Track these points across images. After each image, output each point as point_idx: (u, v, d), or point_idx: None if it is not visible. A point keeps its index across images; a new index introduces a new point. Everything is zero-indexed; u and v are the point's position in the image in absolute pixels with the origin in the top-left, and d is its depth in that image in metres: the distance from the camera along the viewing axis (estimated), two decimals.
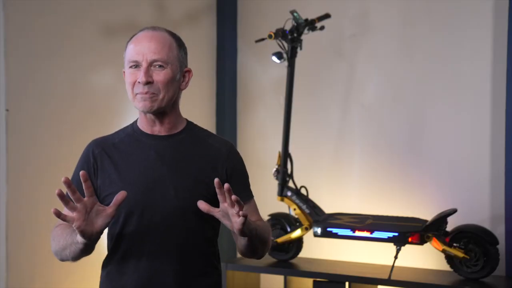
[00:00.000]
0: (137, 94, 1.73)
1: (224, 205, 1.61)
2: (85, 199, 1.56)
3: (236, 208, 1.57)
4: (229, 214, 1.60)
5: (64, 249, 1.69)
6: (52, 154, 3.13)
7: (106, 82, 3.43)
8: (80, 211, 1.54)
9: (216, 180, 1.59)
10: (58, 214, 1.51)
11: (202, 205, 1.64)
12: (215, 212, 1.63)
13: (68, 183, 1.52)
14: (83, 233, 1.55)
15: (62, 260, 1.74)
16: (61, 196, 1.51)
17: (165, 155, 1.77)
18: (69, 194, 1.54)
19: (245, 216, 1.56)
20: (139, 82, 1.72)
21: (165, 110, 1.77)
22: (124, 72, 1.80)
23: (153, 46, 1.73)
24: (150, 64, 1.72)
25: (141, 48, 1.73)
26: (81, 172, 1.55)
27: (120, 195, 1.58)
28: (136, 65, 1.73)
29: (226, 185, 1.57)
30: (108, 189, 1.75)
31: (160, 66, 1.73)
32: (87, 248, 1.64)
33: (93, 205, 1.57)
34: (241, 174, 1.86)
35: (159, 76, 1.72)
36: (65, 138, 3.19)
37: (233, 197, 1.55)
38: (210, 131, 1.90)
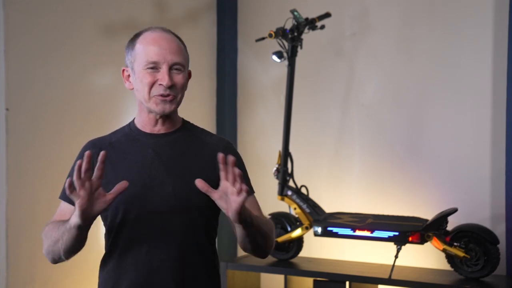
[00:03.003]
0: (155, 96, 1.73)
1: (224, 182, 1.56)
2: (94, 180, 1.56)
3: (237, 184, 1.52)
4: (227, 194, 1.55)
5: (56, 242, 1.67)
6: (52, 153, 3.13)
7: (107, 81, 3.42)
8: (86, 189, 1.54)
9: (220, 154, 1.54)
10: (70, 185, 1.51)
11: (200, 183, 1.58)
12: (213, 193, 1.58)
13: (89, 156, 1.52)
14: (82, 212, 1.55)
15: (54, 259, 1.72)
16: (79, 167, 1.52)
17: (162, 154, 1.77)
18: (83, 168, 1.53)
19: (247, 192, 1.51)
20: (161, 84, 1.72)
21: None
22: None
23: (174, 49, 1.74)
24: (170, 67, 1.73)
25: (161, 50, 1.72)
26: (102, 153, 1.56)
27: (122, 185, 1.59)
28: (154, 66, 1.73)
29: (230, 157, 1.53)
30: (106, 189, 1.73)
31: (178, 69, 1.75)
32: (80, 236, 1.62)
33: (98, 187, 1.58)
34: (240, 169, 1.84)
35: (178, 79, 1.75)
36: (66, 137, 3.19)
37: (236, 170, 1.52)
38: (206, 130, 1.90)
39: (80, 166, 1.52)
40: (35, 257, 3.02)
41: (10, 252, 2.93)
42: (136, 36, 1.78)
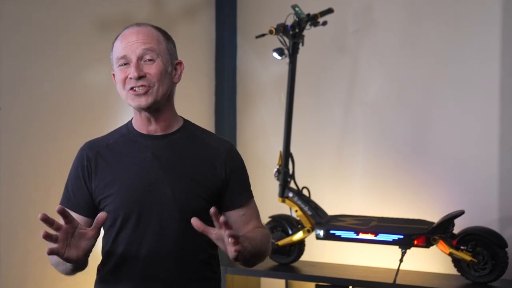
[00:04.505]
0: (129, 91, 1.72)
1: (220, 231, 1.57)
2: (64, 226, 1.55)
3: (231, 240, 1.54)
4: (224, 239, 1.58)
5: (57, 265, 1.72)
6: (45, 153, 3.13)
7: (102, 79, 3.42)
8: (61, 240, 1.54)
9: (212, 210, 1.55)
10: (46, 237, 1.51)
11: (196, 223, 1.57)
12: (210, 232, 1.58)
13: (44, 219, 1.51)
14: (67, 260, 1.56)
15: (61, 272, 1.76)
16: (45, 220, 1.51)
17: (161, 156, 1.77)
18: (47, 226, 1.53)
19: (238, 252, 1.55)
20: (130, 78, 1.71)
21: (159, 106, 1.76)
22: (113, 74, 1.80)
23: (141, 40, 1.73)
24: (140, 58, 1.72)
25: (128, 43, 1.73)
26: (57, 208, 1.54)
27: (101, 217, 1.57)
28: (125, 62, 1.72)
29: (221, 218, 1.54)
30: (104, 192, 1.75)
31: (150, 60, 1.72)
32: (78, 267, 1.67)
33: (74, 229, 1.56)
34: (241, 175, 1.85)
35: (151, 69, 1.72)
36: (59, 137, 3.19)
37: (228, 232, 1.53)
38: (208, 130, 1.89)
39: (45, 219, 1.50)
40: (27, 260, 3.02)
41: (2, 254, 2.93)
42: (116, 38, 1.79)
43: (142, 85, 1.70)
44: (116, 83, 1.79)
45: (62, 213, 1.53)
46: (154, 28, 1.78)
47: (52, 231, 1.54)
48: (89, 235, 1.57)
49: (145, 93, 1.71)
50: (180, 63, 1.82)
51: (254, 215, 1.85)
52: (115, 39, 1.79)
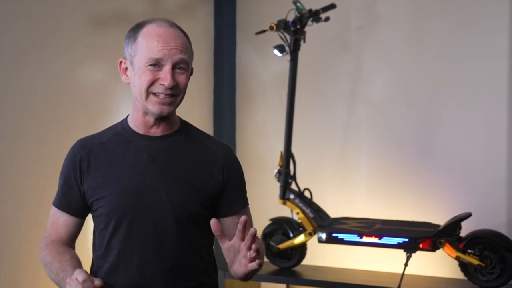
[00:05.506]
0: (152, 94, 1.70)
1: (239, 242, 1.59)
2: None
3: (253, 254, 1.55)
4: (238, 252, 1.59)
5: (56, 282, 1.73)
6: (38, 153, 3.13)
7: (96, 77, 3.42)
8: None
9: (243, 218, 1.56)
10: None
11: (216, 226, 1.59)
12: (224, 241, 1.61)
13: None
14: None
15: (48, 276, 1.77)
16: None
17: (157, 158, 1.76)
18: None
19: (260, 266, 1.56)
20: (162, 84, 1.69)
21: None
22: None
23: (180, 47, 1.71)
24: (174, 66, 1.70)
25: (166, 46, 1.69)
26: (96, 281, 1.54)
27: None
28: (156, 63, 1.69)
29: (252, 229, 1.55)
30: (97, 194, 1.74)
31: (181, 68, 1.72)
32: None
33: None
34: (239, 180, 1.85)
35: (181, 79, 1.72)
36: (52, 136, 3.19)
37: (254, 246, 1.54)
38: (206, 133, 1.89)
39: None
40: (19, 264, 3.02)
41: None
42: (139, 27, 1.74)
43: (171, 95, 1.70)
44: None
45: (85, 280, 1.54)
46: (183, 33, 1.77)
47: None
48: None
49: (170, 103, 1.71)
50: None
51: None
52: (140, 29, 1.73)
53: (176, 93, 1.72)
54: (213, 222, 1.59)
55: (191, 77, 1.79)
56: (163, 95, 1.70)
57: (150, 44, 1.70)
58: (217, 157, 1.80)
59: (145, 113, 1.76)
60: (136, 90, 1.73)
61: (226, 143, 1.88)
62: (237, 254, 1.61)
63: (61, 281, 1.66)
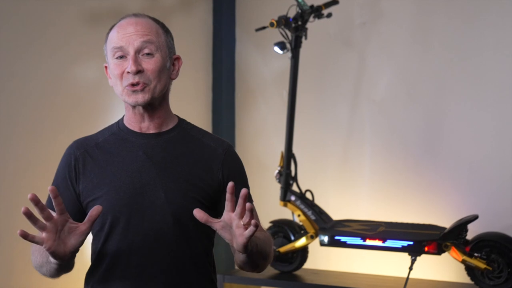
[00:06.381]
0: (125, 87, 1.72)
1: (229, 214, 1.55)
2: (56, 216, 1.53)
3: (247, 217, 1.51)
4: (231, 226, 1.55)
5: (41, 266, 1.70)
6: (31, 154, 3.12)
7: (91, 75, 3.42)
8: (50, 231, 1.51)
9: (230, 184, 1.53)
10: (25, 236, 1.48)
11: (199, 214, 1.56)
12: (215, 223, 1.57)
13: (35, 200, 1.48)
14: (54, 254, 1.53)
15: (44, 275, 1.74)
16: (28, 214, 1.48)
17: (154, 156, 1.76)
18: (38, 211, 1.51)
19: (256, 227, 1.50)
20: (128, 72, 1.70)
21: (155, 102, 1.76)
22: (106, 66, 1.80)
23: (140, 31, 1.73)
24: (138, 51, 1.72)
25: (125, 34, 1.72)
26: (49, 188, 1.51)
27: (95, 210, 1.55)
28: (121, 55, 1.72)
29: (243, 190, 1.52)
30: (92, 195, 1.74)
31: (148, 54, 1.73)
32: (63, 268, 1.65)
33: (65, 222, 1.54)
34: (240, 177, 1.84)
35: (149, 64, 1.72)
36: (46, 137, 3.18)
37: (248, 204, 1.50)
38: (204, 130, 1.89)
39: (28, 213, 1.47)
40: (12, 266, 3.01)
41: None
42: (110, 28, 1.79)
43: (139, 82, 1.70)
44: (108, 77, 1.79)
45: (55, 196, 1.51)
46: (153, 20, 1.79)
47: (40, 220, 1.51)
48: (81, 230, 1.55)
49: (142, 90, 1.71)
50: (178, 58, 1.82)
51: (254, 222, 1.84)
52: (110, 29, 1.79)
53: (145, 80, 1.71)
54: (195, 211, 1.56)
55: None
56: (132, 84, 1.71)
57: (111, 37, 1.76)
58: (216, 153, 1.80)
59: (133, 108, 1.78)
60: (115, 89, 1.76)
61: (225, 139, 1.88)
62: (231, 229, 1.56)
63: (47, 263, 1.65)
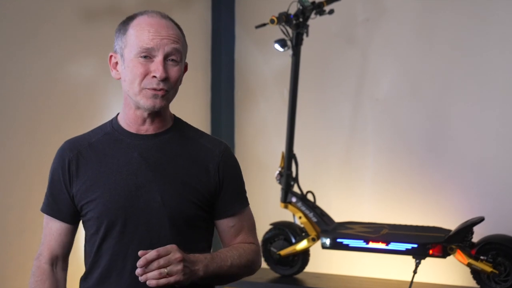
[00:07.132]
0: (146, 89, 1.70)
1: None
2: None
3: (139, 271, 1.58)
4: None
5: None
6: (25, 154, 3.12)
7: (87, 73, 3.42)
8: None
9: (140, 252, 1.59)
10: None
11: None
12: None
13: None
14: None
15: None
16: None
17: (150, 157, 1.75)
18: None
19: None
20: (154, 76, 1.68)
21: (162, 108, 1.76)
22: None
23: (172, 37, 1.71)
24: (166, 57, 1.70)
25: (157, 35, 1.70)
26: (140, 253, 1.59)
27: None
28: (147, 55, 1.69)
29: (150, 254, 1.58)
30: (86, 197, 1.73)
31: (173, 60, 1.72)
32: None
33: None
34: (236, 179, 1.84)
35: (173, 72, 1.72)
36: (40, 136, 3.18)
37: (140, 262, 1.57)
38: (201, 130, 1.88)
39: None
40: (5, 271, 3.01)
41: None
42: (130, 19, 1.75)
43: (162, 89, 1.70)
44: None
45: None
46: (176, 25, 1.77)
47: None
48: None
49: (162, 96, 1.71)
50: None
51: (245, 227, 1.84)
52: (131, 21, 1.74)
53: (167, 87, 1.71)
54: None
55: (186, 74, 1.79)
56: (156, 89, 1.69)
57: (141, 34, 1.70)
58: (212, 154, 1.79)
59: (137, 108, 1.75)
60: (127, 85, 1.73)
61: (222, 140, 1.88)
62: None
63: None
